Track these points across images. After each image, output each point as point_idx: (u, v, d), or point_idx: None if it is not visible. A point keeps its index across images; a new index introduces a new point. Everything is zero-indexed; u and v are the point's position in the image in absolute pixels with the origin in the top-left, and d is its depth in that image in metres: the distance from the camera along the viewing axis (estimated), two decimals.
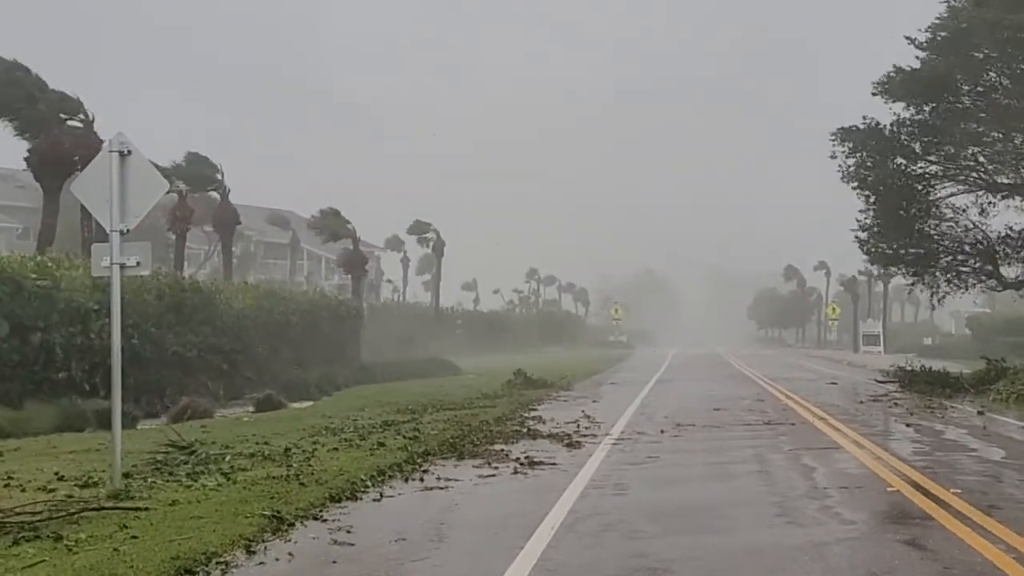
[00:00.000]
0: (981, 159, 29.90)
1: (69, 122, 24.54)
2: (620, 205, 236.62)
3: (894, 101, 29.68)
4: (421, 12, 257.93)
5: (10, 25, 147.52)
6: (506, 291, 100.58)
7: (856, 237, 31.03)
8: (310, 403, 23.33)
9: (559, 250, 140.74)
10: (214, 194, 34.61)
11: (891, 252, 31.16)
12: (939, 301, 32.28)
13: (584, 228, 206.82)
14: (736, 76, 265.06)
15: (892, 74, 29.44)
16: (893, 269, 32.99)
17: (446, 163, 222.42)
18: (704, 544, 8.27)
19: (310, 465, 11.84)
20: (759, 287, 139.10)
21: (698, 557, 7.77)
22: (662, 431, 16.70)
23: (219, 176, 33.29)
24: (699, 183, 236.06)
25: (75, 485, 10.26)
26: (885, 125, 29.63)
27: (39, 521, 8.24)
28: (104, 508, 8.94)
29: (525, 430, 16.52)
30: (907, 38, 29.26)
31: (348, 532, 8.53)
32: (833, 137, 30.10)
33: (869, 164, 29.83)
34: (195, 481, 10.58)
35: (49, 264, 19.41)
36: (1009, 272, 30.80)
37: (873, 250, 31.61)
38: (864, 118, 29.78)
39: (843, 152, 30.01)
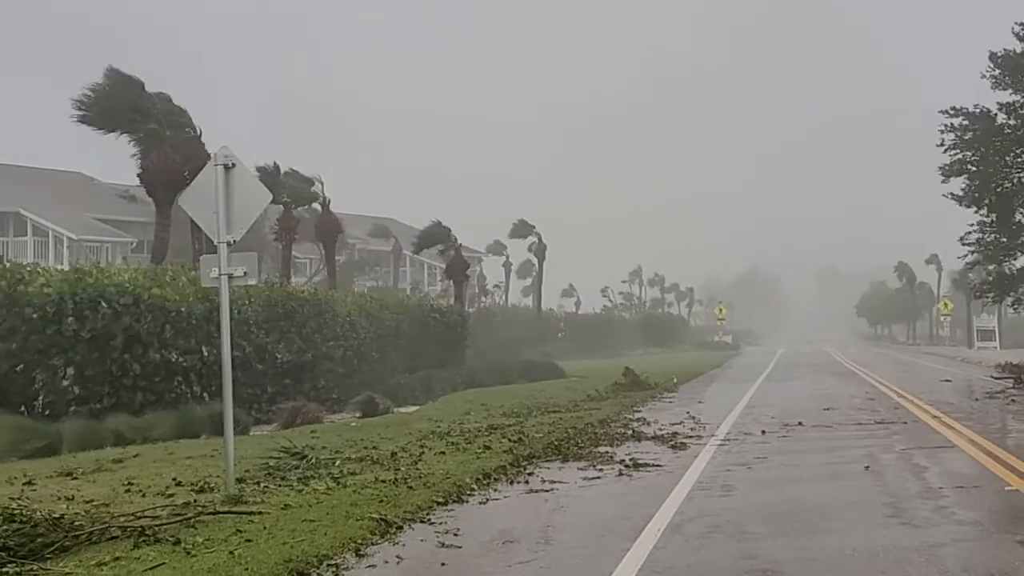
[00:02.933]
0: None
1: (179, 133, 25.11)
2: (725, 205, 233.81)
3: (1003, 89, 28.74)
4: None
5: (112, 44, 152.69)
6: (610, 292, 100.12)
7: (965, 241, 30.22)
8: (416, 408, 23.59)
9: (663, 251, 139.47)
10: (316, 206, 35.26)
11: (1006, 274, 30.30)
12: None
13: (689, 229, 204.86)
14: (841, 74, 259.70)
15: (1001, 61, 28.50)
16: (1008, 294, 31.86)
17: (545, 166, 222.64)
18: (815, 545, 8.13)
19: (417, 469, 11.98)
20: (868, 283, 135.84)
21: (809, 559, 7.63)
22: (770, 431, 16.44)
23: (317, 189, 33.95)
24: (807, 180, 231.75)
25: (192, 490, 10.57)
26: (996, 114, 28.73)
27: (159, 525, 8.51)
28: (220, 512, 9.19)
29: (630, 432, 16.45)
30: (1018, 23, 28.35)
31: (455, 535, 8.62)
32: (942, 121, 29.20)
33: (977, 155, 28.95)
34: (306, 485, 10.80)
35: (163, 276, 19.95)
36: None
37: (988, 282, 30.87)
38: (975, 105, 28.95)
39: (952, 138, 29.15)
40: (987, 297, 33.67)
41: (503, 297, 72.07)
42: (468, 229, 44.78)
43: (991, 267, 31.08)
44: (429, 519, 9.31)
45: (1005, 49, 28.34)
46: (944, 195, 29.91)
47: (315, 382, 23.45)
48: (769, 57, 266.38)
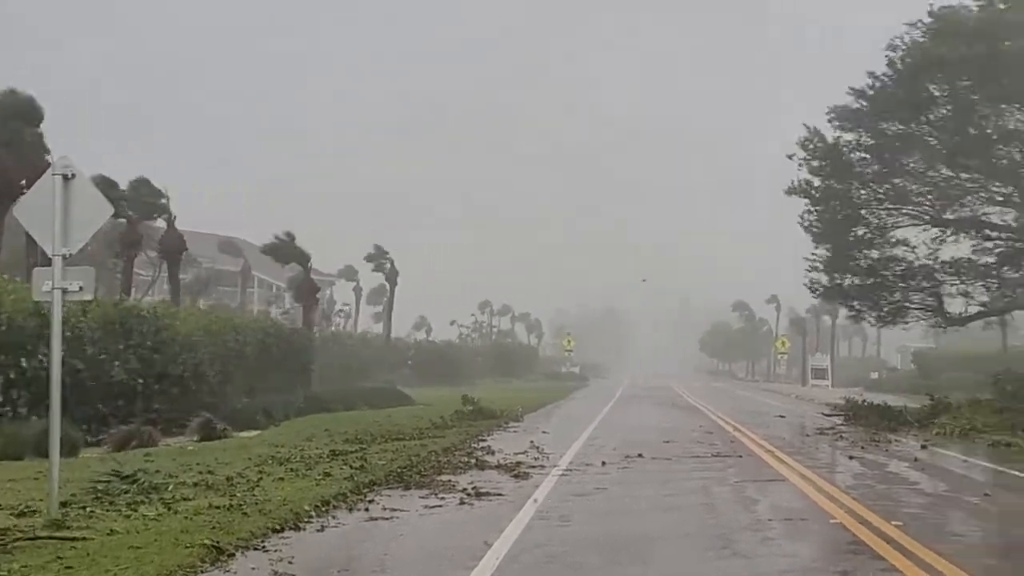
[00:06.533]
0: (929, 195, 30.43)
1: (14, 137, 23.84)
2: (575, 238, 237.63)
3: (847, 130, 30.28)
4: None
5: None
6: (459, 322, 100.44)
7: (809, 266, 31.48)
8: (257, 432, 23.05)
9: (515, 282, 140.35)
10: (161, 221, 34.24)
11: (837, 284, 31.68)
12: (881, 327, 32.82)
13: (539, 261, 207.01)
14: (691, 111, 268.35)
15: (845, 104, 30.07)
16: (839, 302, 33.33)
17: (402, 194, 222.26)
18: None
19: (254, 495, 11.70)
20: (712, 320, 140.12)
21: None
22: (610, 462, 16.69)
23: (165, 202, 32.96)
24: (656, 215, 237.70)
25: (11, 514, 10.05)
26: (843, 145, 30.22)
27: None
28: (40, 538, 8.76)
29: (473, 461, 16.46)
30: (869, 73, 30.03)
31: (289, 563, 8.43)
32: (799, 139, 30.53)
33: (822, 180, 30.37)
34: (135, 511, 10.40)
35: None
36: (952, 308, 31.39)
37: (819, 285, 32.20)
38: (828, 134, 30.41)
39: (803, 159, 30.48)
40: (822, 299, 35.25)
41: (353, 322, 71.43)
42: (318, 252, 44.01)
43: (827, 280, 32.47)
44: (264, 546, 9.07)
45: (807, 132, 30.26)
46: (797, 222, 31.18)
47: (151, 403, 22.63)
48: (633, 96, 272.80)
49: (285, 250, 41.92)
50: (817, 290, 32.81)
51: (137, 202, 31.64)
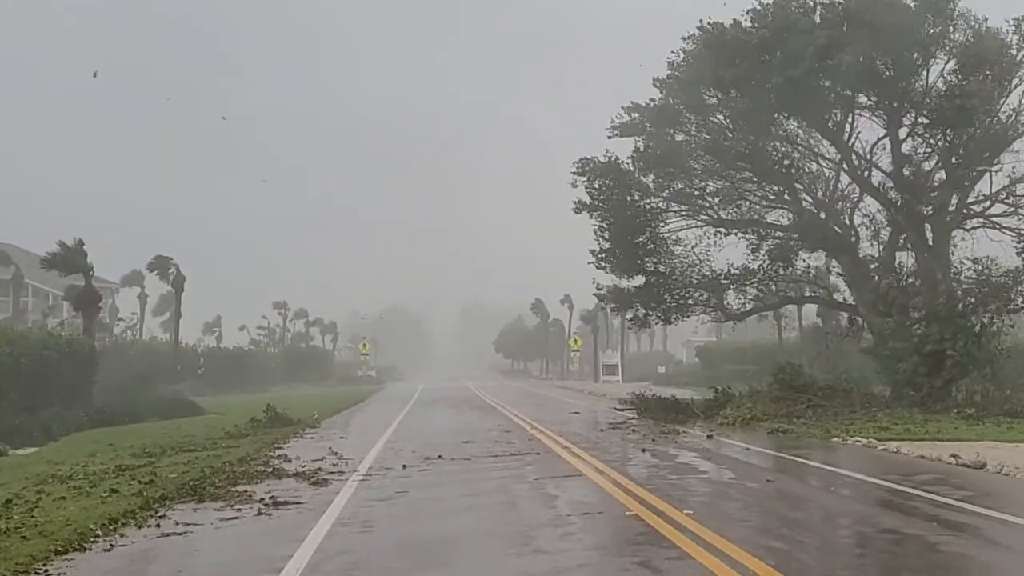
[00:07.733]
0: (706, 198, 31.81)
1: None
2: (371, 240, 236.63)
3: (628, 136, 31.29)
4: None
5: None
6: (252, 327, 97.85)
7: (595, 263, 32.24)
8: (35, 449, 21.77)
9: (309, 286, 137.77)
10: None
11: (622, 290, 32.71)
12: (665, 323, 33.94)
13: (334, 264, 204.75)
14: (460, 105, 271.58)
15: (625, 112, 31.12)
16: (625, 308, 34.24)
17: (188, 195, 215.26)
18: None
19: (33, 516, 11.05)
20: (508, 319, 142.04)
21: None
22: (410, 465, 16.65)
23: None
24: (450, 217, 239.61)
25: None
26: (623, 160, 31.14)
27: None
28: None
29: (270, 470, 16.06)
30: (655, 79, 31.10)
31: None
32: (575, 168, 31.32)
33: (604, 195, 31.17)
34: None
35: None
36: (732, 303, 32.91)
37: (606, 291, 33.22)
38: (606, 151, 31.27)
39: (583, 182, 31.26)
40: (612, 308, 36.09)
41: (138, 332, 68.57)
42: (100, 260, 41.72)
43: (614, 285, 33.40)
44: (46, 570, 8.59)
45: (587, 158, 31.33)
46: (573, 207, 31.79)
47: None
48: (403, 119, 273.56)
49: (69, 260, 39.61)
50: (604, 299, 34.00)
51: None
